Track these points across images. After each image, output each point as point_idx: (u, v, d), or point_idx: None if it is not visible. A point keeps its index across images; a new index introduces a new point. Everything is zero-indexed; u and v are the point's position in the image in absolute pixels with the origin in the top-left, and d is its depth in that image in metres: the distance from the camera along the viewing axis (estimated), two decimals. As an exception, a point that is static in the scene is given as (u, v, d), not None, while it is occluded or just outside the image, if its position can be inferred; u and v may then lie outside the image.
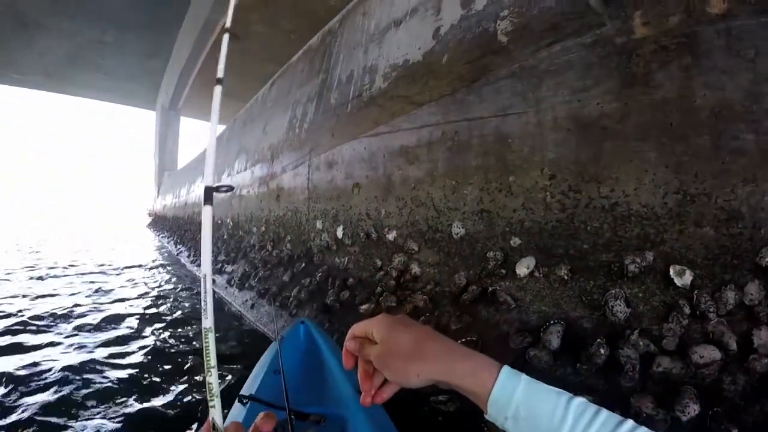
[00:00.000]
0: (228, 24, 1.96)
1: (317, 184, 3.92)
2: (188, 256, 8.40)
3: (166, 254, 10.21)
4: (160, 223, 16.99)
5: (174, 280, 6.72)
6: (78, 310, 4.46)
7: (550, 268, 1.90)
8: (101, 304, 4.76)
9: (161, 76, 19.00)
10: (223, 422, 0.64)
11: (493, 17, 2.29)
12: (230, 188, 1.11)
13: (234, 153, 7.72)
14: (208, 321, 0.81)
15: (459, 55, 2.49)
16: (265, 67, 11.91)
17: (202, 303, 0.83)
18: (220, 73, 1.67)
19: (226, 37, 1.98)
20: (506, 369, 0.47)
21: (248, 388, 1.71)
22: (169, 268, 8.01)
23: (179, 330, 3.94)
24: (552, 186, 1.96)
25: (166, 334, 3.80)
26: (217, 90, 1.61)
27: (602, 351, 1.55)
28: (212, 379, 0.73)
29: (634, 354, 1.49)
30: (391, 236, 2.83)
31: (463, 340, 1.95)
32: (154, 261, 8.91)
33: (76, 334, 3.66)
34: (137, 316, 4.31)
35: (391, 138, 2.94)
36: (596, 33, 1.88)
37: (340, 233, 3.39)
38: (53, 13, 12.94)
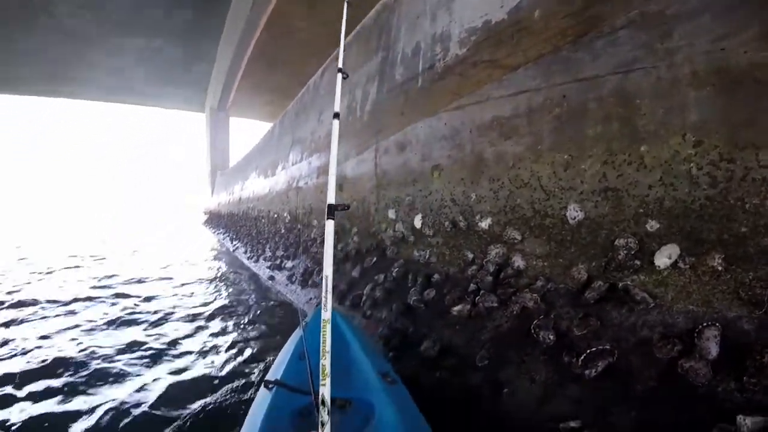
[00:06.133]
0: (340, 64, 1.88)
1: (387, 169, 3.64)
2: (245, 252, 8.38)
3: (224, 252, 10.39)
4: (215, 220, 17.58)
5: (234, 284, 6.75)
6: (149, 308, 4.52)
7: (698, 257, 1.53)
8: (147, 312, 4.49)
9: (208, 80, 19.62)
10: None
11: (598, -43, 1.89)
12: (347, 206, 1.47)
13: (286, 146, 7.64)
14: (327, 314, 1.08)
15: (555, 7, 2.14)
16: (309, 61, 11.82)
17: (323, 299, 1.12)
18: (336, 108, 1.79)
19: (339, 76, 1.91)
20: None
21: (273, 373, 1.71)
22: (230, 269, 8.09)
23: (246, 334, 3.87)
24: (698, 155, 1.58)
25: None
26: (335, 123, 1.71)
27: (779, 360, 1.22)
28: (326, 362, 0.97)
29: (819, 358, 1.20)
30: (484, 224, 2.49)
31: (594, 350, 1.61)
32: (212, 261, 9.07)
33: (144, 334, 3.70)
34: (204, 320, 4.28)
35: (479, 110, 2.59)
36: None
37: (418, 223, 3.09)
38: (99, 28, 13.77)
